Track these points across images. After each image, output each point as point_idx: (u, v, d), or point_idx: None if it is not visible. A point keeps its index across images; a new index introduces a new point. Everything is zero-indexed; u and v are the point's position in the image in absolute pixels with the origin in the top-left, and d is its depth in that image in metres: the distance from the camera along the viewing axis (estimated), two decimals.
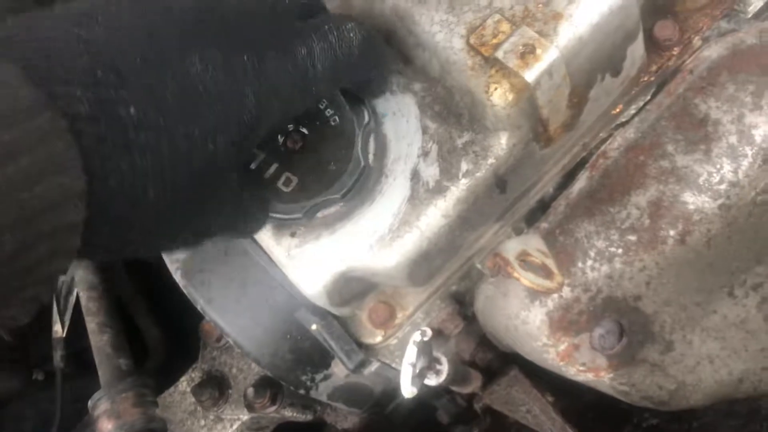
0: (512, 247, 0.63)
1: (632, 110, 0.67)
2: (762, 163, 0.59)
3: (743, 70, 0.58)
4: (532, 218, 0.71)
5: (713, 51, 0.60)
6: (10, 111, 0.39)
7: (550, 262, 0.62)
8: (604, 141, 0.68)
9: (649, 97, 0.66)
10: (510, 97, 0.57)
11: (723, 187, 0.59)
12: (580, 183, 0.66)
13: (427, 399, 0.93)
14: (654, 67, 0.67)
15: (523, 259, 0.62)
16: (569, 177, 0.69)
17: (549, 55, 0.56)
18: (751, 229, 0.61)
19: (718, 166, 0.59)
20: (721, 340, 0.68)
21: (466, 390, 0.83)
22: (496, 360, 0.82)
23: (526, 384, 0.77)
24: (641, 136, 0.63)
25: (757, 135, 0.58)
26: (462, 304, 0.79)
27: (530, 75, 0.56)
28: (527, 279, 0.61)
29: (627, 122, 0.65)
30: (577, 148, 0.69)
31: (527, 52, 0.56)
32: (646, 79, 0.65)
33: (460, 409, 0.94)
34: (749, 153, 0.58)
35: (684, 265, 0.62)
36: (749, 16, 0.64)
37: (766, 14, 0.63)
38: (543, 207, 0.70)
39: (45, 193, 0.40)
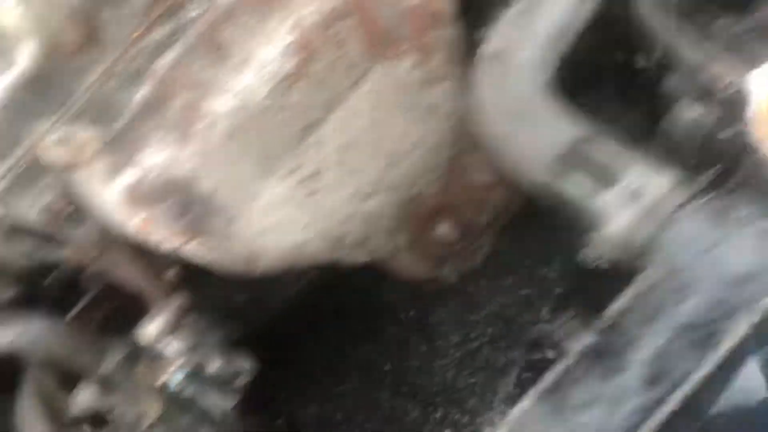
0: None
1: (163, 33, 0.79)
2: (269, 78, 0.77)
3: (252, 4, 0.75)
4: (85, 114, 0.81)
5: None
6: None
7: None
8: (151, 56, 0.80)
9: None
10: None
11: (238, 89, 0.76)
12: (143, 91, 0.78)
13: None
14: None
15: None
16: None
17: None
18: (273, 124, 0.79)
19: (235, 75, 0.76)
20: (276, 215, 0.85)
21: None
22: None
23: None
24: (178, 56, 0.77)
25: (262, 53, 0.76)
26: None
27: None
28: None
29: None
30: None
31: None
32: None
33: None
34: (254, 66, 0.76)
35: (223, 152, 0.78)
36: None
37: None
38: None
39: None
